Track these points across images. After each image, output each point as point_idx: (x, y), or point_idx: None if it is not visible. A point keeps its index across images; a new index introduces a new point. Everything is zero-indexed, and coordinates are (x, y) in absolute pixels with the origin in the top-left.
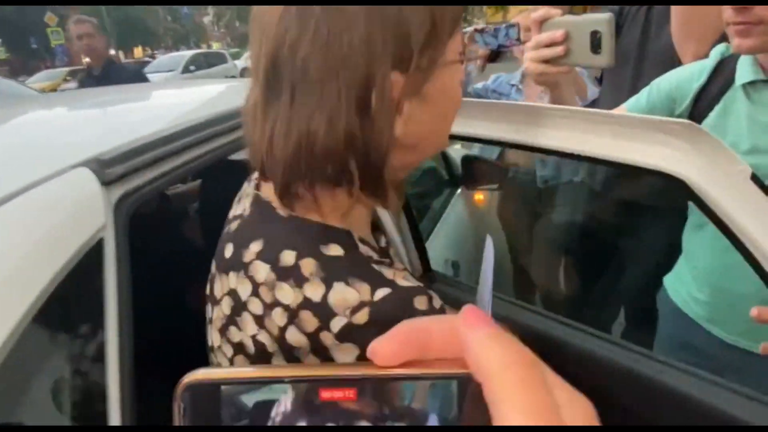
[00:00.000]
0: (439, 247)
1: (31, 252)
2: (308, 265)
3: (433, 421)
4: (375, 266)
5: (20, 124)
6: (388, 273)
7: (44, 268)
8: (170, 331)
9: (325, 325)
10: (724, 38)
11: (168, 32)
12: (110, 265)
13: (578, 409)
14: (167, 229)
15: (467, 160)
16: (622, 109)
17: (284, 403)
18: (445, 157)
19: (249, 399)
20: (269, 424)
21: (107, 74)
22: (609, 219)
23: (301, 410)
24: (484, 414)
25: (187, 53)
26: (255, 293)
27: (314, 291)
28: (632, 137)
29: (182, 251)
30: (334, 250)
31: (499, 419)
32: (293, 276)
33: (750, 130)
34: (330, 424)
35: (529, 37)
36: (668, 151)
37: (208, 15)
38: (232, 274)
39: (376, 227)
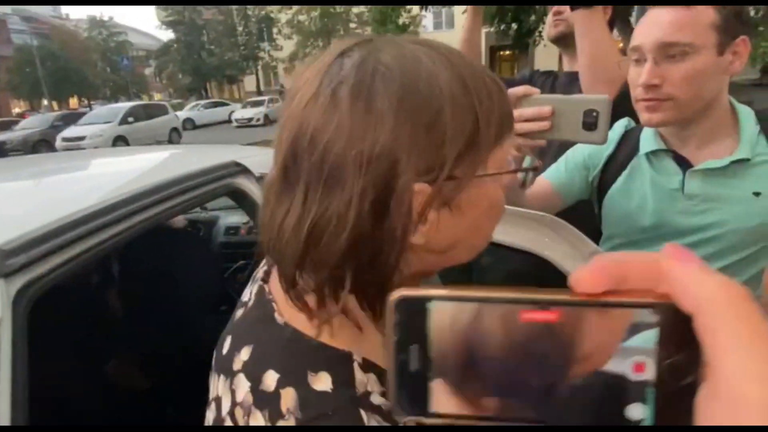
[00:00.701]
0: None
1: None
2: (288, 398)
3: (627, 350)
4: (363, 412)
5: None
6: (373, 424)
7: None
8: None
9: None
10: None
11: (107, 83)
12: (5, 365)
13: None
14: (82, 304)
15: None
16: (542, 178)
17: (486, 321)
18: None
19: (454, 315)
20: (470, 338)
21: None
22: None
23: (502, 329)
24: (683, 344)
25: (125, 105)
26: (231, 413)
27: None
28: (515, 224)
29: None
30: (323, 381)
31: (718, 348)
32: (270, 406)
33: (654, 194)
34: (527, 345)
35: None
36: (536, 235)
37: (149, 66)
38: (222, 378)
39: None
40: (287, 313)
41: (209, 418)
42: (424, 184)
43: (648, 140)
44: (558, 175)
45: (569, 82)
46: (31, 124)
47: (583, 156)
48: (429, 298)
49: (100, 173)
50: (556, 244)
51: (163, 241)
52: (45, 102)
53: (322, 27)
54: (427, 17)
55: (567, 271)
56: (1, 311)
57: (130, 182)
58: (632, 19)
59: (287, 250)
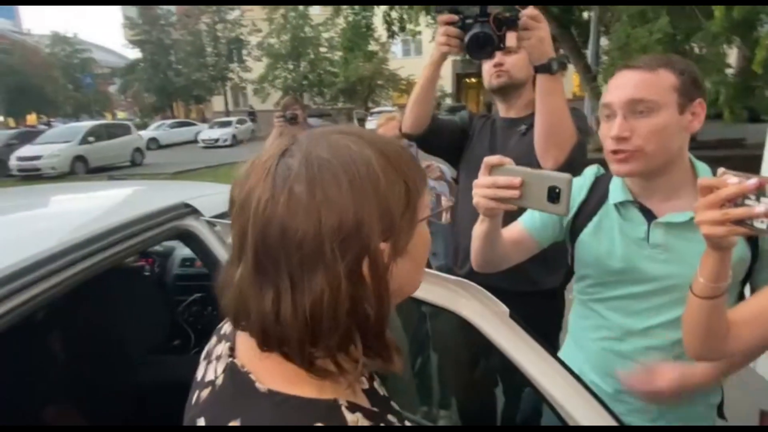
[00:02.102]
0: None
1: None
2: None
3: None
4: None
5: None
6: None
7: None
8: None
9: None
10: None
11: (68, 100)
12: None
13: None
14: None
15: None
16: (518, 224)
17: None
18: None
19: None
20: None
21: None
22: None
23: None
24: None
25: (86, 123)
26: None
27: None
28: (429, 283)
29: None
30: None
31: None
32: None
33: (622, 242)
34: None
35: None
36: (454, 296)
37: (114, 84)
38: None
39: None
40: (267, 380)
41: None
42: (384, 243)
43: (616, 191)
44: (533, 221)
45: (508, 127)
46: None
47: None
48: None
49: (42, 215)
50: (468, 302)
51: (110, 280)
52: (1, 118)
53: (292, 50)
54: (397, 44)
55: (479, 326)
56: None
57: (73, 229)
58: (587, 52)
59: (292, 335)
